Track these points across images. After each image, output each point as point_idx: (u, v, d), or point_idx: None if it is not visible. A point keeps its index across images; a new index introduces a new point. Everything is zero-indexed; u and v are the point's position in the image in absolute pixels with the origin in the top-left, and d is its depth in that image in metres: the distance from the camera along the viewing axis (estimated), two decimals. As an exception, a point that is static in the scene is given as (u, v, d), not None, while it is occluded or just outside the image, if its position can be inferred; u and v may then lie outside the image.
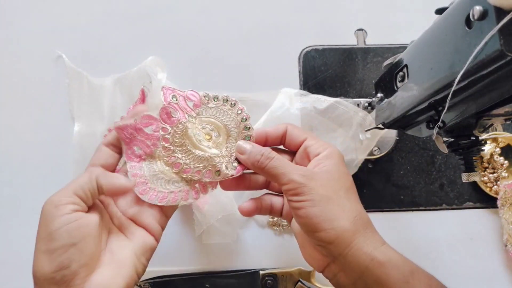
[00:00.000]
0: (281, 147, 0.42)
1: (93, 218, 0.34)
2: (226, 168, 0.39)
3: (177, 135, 0.39)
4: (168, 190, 0.40)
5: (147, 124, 0.40)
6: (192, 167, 0.39)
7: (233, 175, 0.39)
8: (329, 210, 0.33)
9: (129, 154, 0.41)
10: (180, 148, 0.39)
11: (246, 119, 0.41)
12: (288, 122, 0.41)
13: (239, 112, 0.41)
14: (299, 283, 0.48)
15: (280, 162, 0.36)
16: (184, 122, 0.39)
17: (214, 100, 0.41)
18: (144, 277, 0.49)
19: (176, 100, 0.40)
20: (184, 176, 0.40)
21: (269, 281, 0.48)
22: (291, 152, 0.41)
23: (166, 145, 0.39)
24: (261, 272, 0.49)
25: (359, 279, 0.33)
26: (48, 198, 0.34)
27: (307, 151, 0.38)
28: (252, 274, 0.49)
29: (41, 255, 0.31)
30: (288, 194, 0.35)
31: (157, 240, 0.39)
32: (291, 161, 0.40)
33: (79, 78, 0.55)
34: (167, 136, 0.39)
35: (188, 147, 0.40)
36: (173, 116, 0.39)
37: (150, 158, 0.40)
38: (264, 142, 0.40)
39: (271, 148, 0.39)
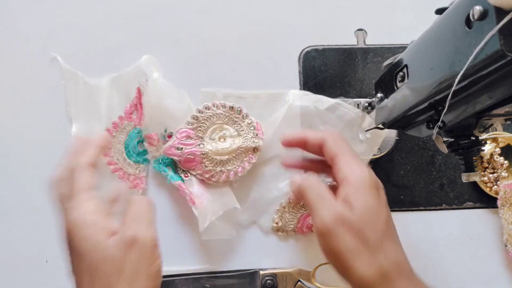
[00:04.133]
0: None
1: None
2: (253, 142, 0.50)
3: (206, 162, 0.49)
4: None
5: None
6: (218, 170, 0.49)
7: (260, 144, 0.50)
8: (348, 266, 0.32)
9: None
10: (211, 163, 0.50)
11: (240, 110, 0.51)
12: (328, 131, 0.38)
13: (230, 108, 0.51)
14: (299, 283, 0.48)
15: (314, 195, 0.34)
16: (203, 152, 0.49)
17: (206, 110, 0.51)
18: None
19: (181, 149, 0.49)
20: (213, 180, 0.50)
21: (269, 281, 0.48)
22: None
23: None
24: (261, 272, 0.49)
25: None
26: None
27: (336, 174, 0.35)
28: (252, 274, 0.49)
29: None
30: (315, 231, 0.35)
31: None
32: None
33: (75, 79, 0.55)
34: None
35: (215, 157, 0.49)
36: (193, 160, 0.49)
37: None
38: (304, 145, 0.39)
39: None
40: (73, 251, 0.31)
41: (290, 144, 0.40)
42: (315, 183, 0.35)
